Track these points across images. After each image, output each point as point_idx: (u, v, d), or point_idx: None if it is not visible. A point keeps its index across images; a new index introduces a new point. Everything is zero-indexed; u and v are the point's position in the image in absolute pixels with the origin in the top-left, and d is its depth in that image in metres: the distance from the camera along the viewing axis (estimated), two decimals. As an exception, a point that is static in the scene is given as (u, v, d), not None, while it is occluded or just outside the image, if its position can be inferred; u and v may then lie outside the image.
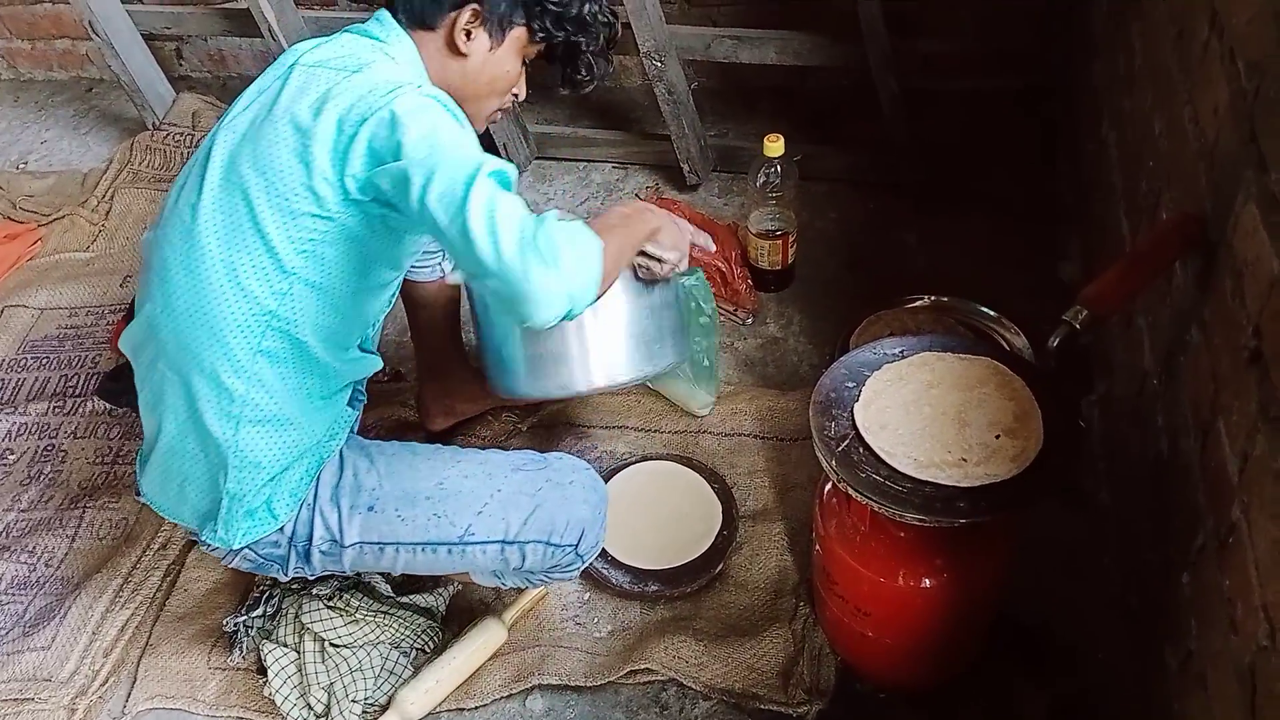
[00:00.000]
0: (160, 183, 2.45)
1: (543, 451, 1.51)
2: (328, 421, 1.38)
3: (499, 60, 1.37)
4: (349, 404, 1.43)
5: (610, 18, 1.45)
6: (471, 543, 1.39)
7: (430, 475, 1.42)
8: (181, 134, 2.53)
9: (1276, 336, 0.95)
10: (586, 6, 1.39)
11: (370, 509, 1.37)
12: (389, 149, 1.18)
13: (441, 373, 1.82)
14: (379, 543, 1.39)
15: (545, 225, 1.12)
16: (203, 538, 1.37)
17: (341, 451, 1.40)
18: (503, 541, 1.39)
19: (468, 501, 1.39)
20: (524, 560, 1.41)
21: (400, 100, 1.19)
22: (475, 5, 1.31)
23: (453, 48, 1.34)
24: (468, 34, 1.33)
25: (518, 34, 1.37)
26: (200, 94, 2.65)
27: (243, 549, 1.37)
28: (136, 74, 2.48)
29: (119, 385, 1.99)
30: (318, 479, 1.37)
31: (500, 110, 1.46)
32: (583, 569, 1.51)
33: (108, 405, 2.00)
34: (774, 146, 1.91)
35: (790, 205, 1.99)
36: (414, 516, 1.38)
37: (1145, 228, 1.48)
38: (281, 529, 1.36)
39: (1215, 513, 1.10)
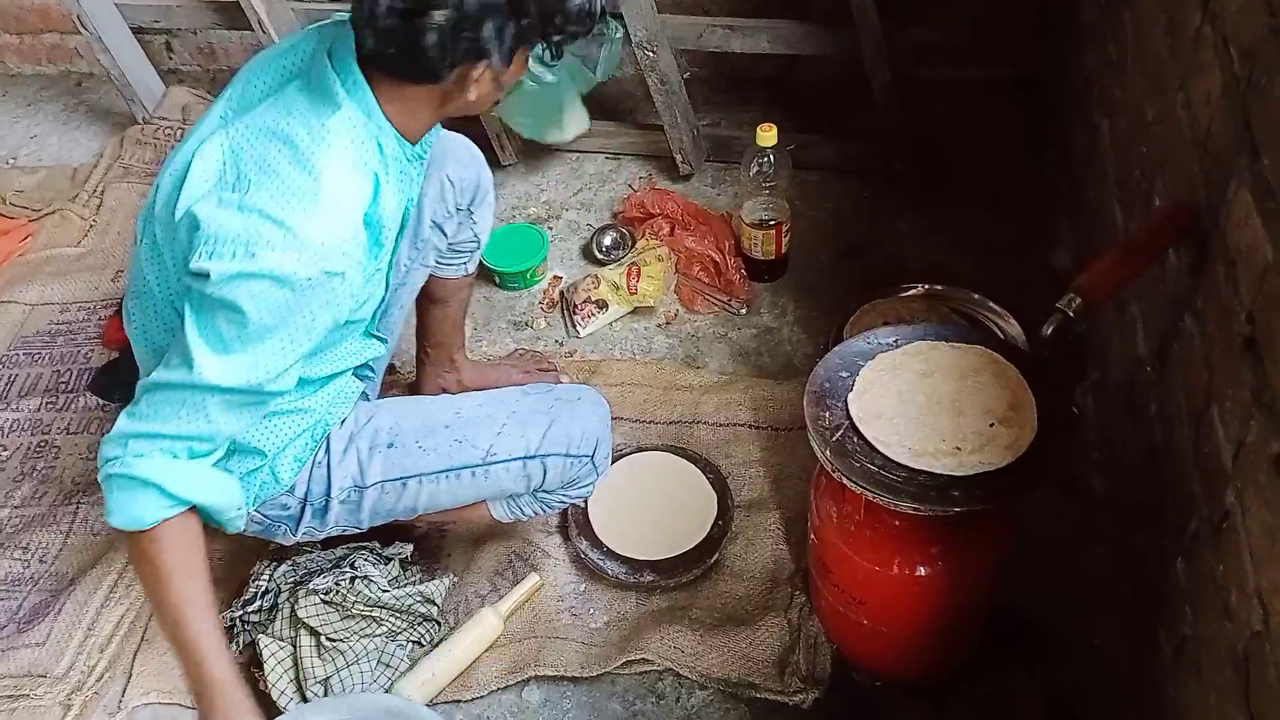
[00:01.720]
0: (151, 177, 2.42)
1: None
2: (330, 399, 1.40)
3: (506, 79, 1.29)
4: (355, 376, 1.46)
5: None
6: (495, 462, 1.45)
7: (445, 408, 1.49)
8: (172, 127, 2.52)
9: (1270, 323, 0.96)
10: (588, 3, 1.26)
11: (390, 445, 1.42)
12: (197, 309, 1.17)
13: (443, 368, 1.83)
14: (402, 477, 1.43)
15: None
16: None
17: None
18: (525, 457, 1.45)
19: (486, 424, 1.45)
20: (545, 475, 1.47)
21: (235, 289, 1.13)
22: (488, 60, 1.19)
23: (451, 94, 1.24)
24: (476, 81, 1.23)
25: (521, 54, 1.27)
26: (190, 87, 2.63)
27: (248, 511, 1.40)
28: (126, 68, 2.46)
29: (112, 380, 1.98)
30: (328, 439, 1.40)
31: None
32: (598, 482, 1.57)
33: (100, 400, 1.99)
34: (767, 136, 1.90)
35: (783, 195, 1.98)
36: (436, 445, 1.44)
37: (1138, 215, 1.48)
38: (292, 490, 1.40)
39: (1209, 499, 1.10)
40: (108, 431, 1.22)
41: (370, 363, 1.51)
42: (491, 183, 1.66)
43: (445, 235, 1.62)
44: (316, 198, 1.15)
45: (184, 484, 1.21)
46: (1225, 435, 1.06)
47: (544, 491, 1.52)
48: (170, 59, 2.79)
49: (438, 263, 1.67)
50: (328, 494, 1.41)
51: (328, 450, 1.41)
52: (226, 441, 1.25)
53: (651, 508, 1.70)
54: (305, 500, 1.42)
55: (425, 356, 1.82)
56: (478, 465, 1.45)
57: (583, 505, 1.68)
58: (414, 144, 1.30)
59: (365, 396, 1.53)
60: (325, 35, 1.25)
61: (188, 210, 1.17)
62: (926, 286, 1.89)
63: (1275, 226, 0.96)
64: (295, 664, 1.52)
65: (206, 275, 1.13)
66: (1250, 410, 0.99)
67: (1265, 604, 0.93)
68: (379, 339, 1.49)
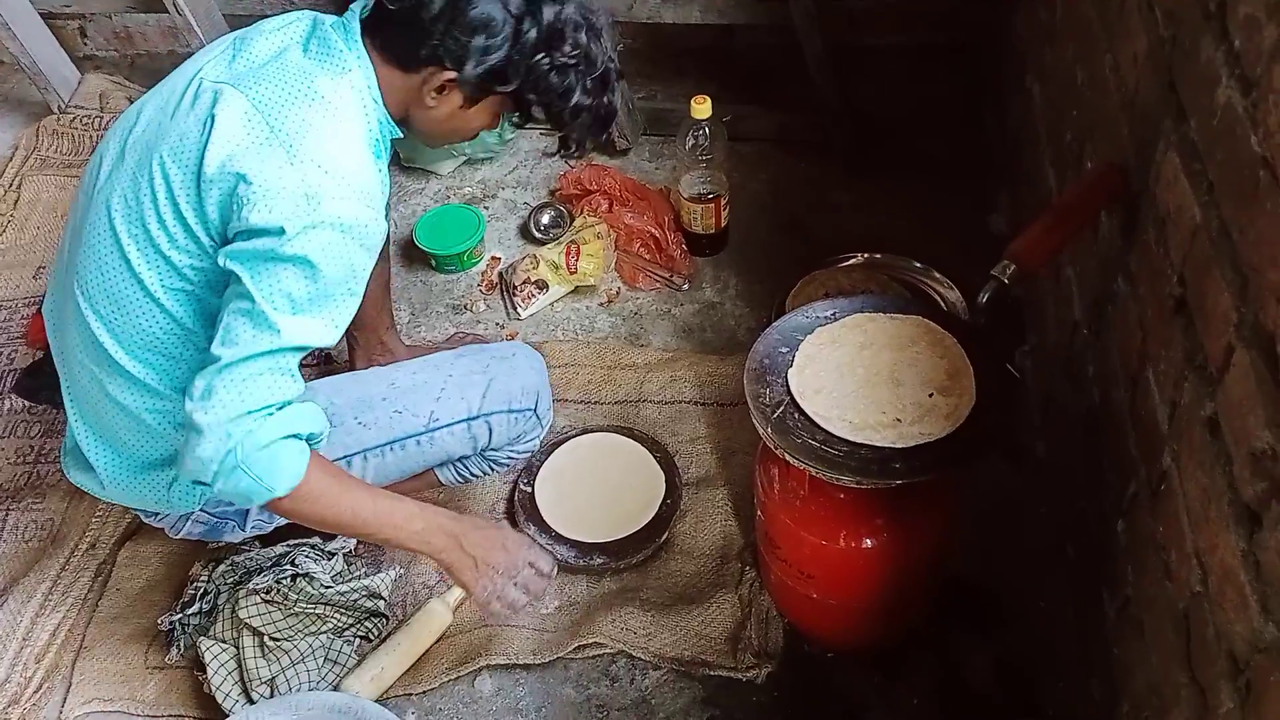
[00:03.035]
0: (70, 168, 2.35)
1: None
2: None
3: (467, 117, 1.30)
4: None
5: (607, 102, 1.34)
6: (438, 428, 1.45)
7: (378, 381, 1.49)
8: (90, 116, 2.43)
9: (1200, 284, 0.96)
10: (582, 99, 1.29)
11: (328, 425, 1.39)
12: (254, 273, 1.16)
13: (374, 351, 1.78)
14: (345, 455, 1.42)
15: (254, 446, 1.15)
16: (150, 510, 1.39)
17: None
18: (468, 419, 1.46)
19: (424, 391, 1.45)
20: (490, 434, 1.49)
21: (306, 242, 1.14)
22: (451, 74, 1.22)
23: (417, 95, 1.26)
24: (440, 91, 1.25)
25: (497, 99, 1.28)
26: (108, 74, 2.54)
27: (193, 512, 1.39)
28: (37, 55, 2.37)
29: (37, 382, 1.91)
30: None
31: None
32: (544, 436, 1.60)
33: (26, 402, 1.93)
34: (701, 109, 1.88)
35: (721, 168, 1.97)
36: (374, 419, 1.43)
37: (1071, 179, 1.48)
38: None
39: (1147, 461, 1.11)
40: (191, 440, 1.17)
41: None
42: None
43: None
44: (353, 147, 1.20)
45: (304, 422, 1.21)
46: (1160, 397, 1.07)
47: (491, 450, 1.53)
48: (85, 44, 2.69)
49: None
50: None
51: None
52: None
53: (599, 489, 1.69)
54: None
55: (354, 341, 1.78)
56: (421, 433, 1.45)
57: (529, 490, 1.67)
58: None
59: None
60: (321, 14, 1.28)
61: (225, 166, 1.16)
62: (866, 256, 1.89)
63: (1202, 188, 0.96)
64: (239, 665, 1.49)
65: (271, 231, 1.13)
66: (1184, 372, 0.99)
67: (1204, 565, 0.94)
68: None
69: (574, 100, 1.28)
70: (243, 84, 1.21)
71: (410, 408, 1.44)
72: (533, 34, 1.21)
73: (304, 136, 1.17)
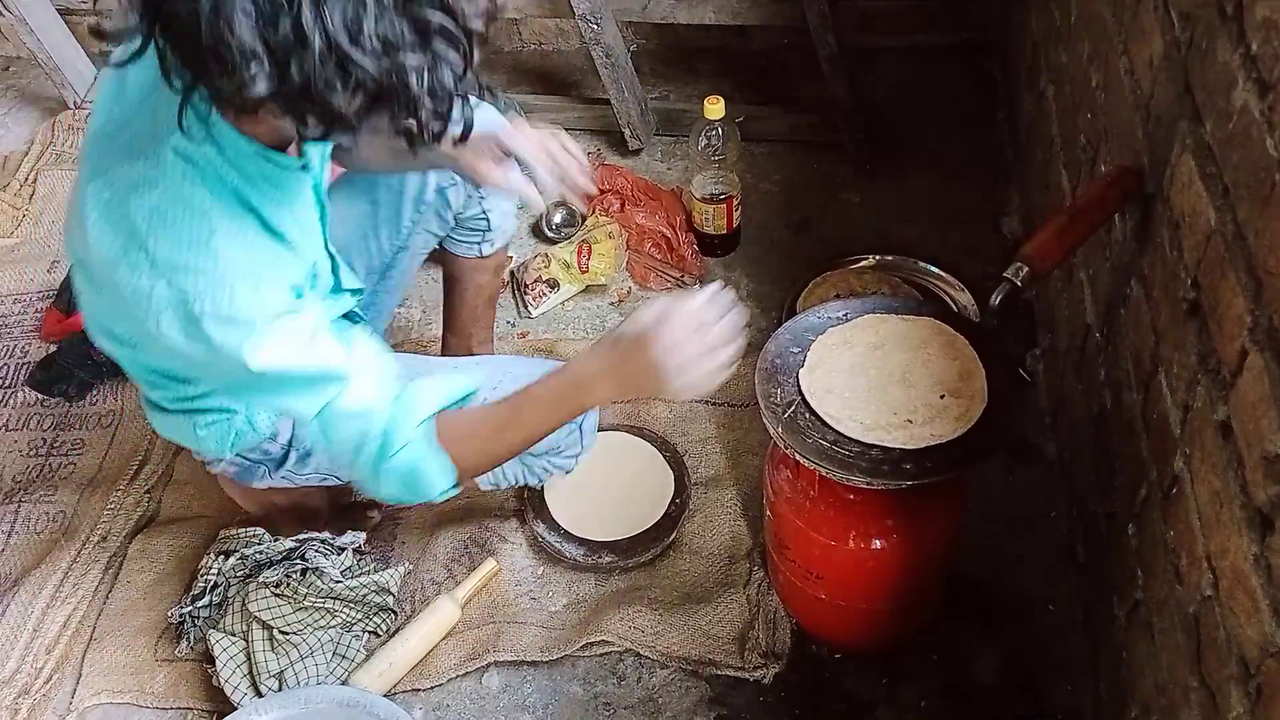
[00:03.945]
0: (85, 163, 2.37)
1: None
2: None
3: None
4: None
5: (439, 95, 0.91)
6: None
7: (443, 361, 1.57)
8: (105, 112, 2.45)
9: (1214, 288, 0.96)
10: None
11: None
12: None
13: (458, 353, 1.79)
14: None
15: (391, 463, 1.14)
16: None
17: None
18: None
19: (484, 376, 1.36)
20: None
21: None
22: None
23: None
24: None
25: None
26: (123, 70, 2.56)
27: (226, 455, 1.39)
28: (54, 51, 2.38)
29: (50, 375, 1.93)
30: None
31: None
32: (582, 458, 1.55)
33: (39, 395, 1.94)
34: (714, 109, 1.88)
35: (733, 168, 1.97)
36: None
37: (1084, 181, 1.48)
38: (274, 437, 1.38)
39: (1158, 464, 1.11)
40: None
41: (355, 313, 1.40)
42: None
43: (450, 205, 1.55)
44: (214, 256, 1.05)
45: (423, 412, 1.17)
46: (1173, 400, 1.06)
47: (530, 455, 1.47)
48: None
49: (449, 235, 1.61)
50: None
51: None
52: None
53: (608, 488, 1.69)
54: (290, 446, 1.40)
55: (445, 343, 1.79)
56: None
57: (539, 488, 1.67)
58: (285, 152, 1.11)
59: None
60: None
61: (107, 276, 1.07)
62: (878, 258, 1.88)
63: (1217, 190, 0.96)
64: (248, 658, 1.49)
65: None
66: (1196, 375, 0.99)
67: (1215, 569, 0.94)
68: (349, 291, 1.34)
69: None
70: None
71: None
72: None
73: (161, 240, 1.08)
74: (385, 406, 1.14)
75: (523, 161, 1.40)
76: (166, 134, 1.01)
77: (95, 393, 1.93)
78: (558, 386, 1.22)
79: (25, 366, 1.99)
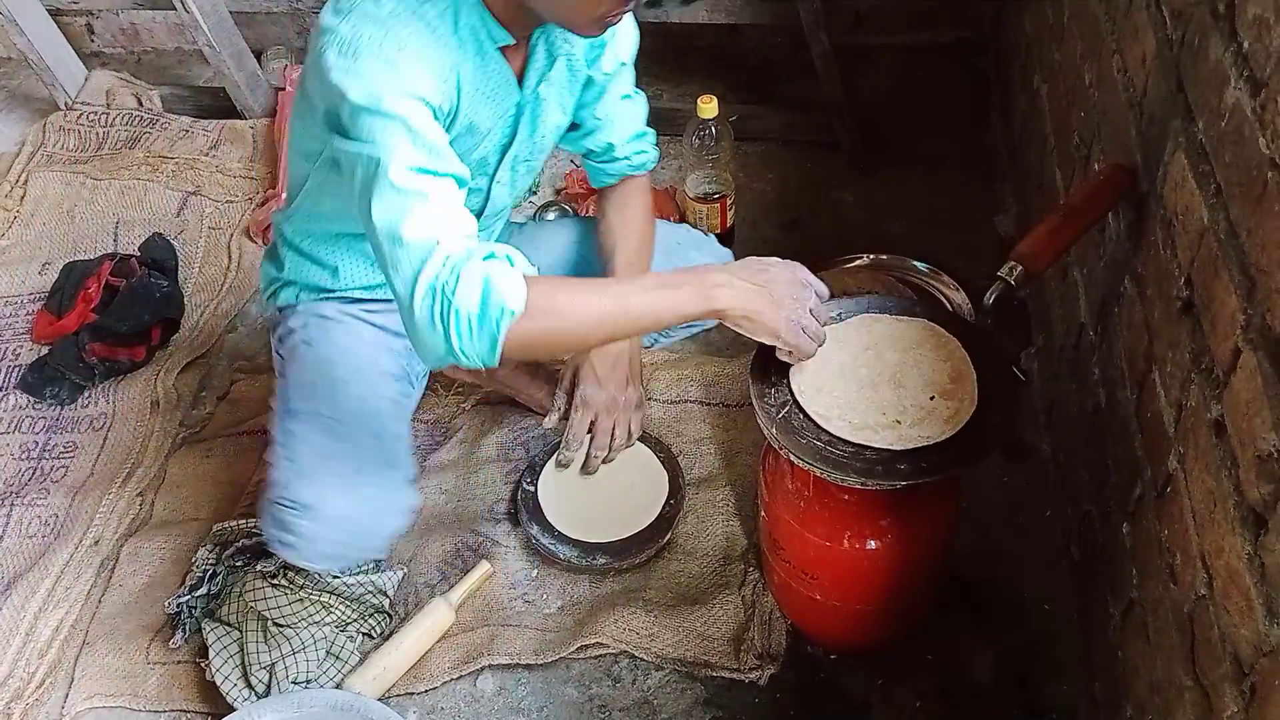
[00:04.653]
0: (76, 164, 2.35)
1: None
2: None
3: None
4: None
5: None
6: None
7: None
8: (96, 113, 2.44)
9: (1207, 286, 0.95)
10: None
11: None
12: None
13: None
14: None
15: (463, 283, 1.07)
16: None
17: None
18: None
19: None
20: None
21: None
22: None
23: None
24: None
25: None
26: (114, 70, 2.55)
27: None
28: (45, 51, 2.37)
29: (41, 377, 1.92)
30: None
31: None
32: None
33: (31, 398, 1.93)
34: (707, 108, 1.88)
35: (726, 167, 1.96)
36: None
37: (1078, 179, 1.48)
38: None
39: (1152, 463, 1.11)
40: None
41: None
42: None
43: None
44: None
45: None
46: (1166, 399, 1.06)
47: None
48: (92, 41, 2.70)
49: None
50: None
51: None
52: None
53: (603, 489, 1.68)
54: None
55: None
56: None
57: (533, 489, 1.66)
58: (507, 29, 1.23)
59: None
60: None
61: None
62: (871, 257, 1.88)
63: (1210, 189, 0.96)
64: (241, 649, 1.49)
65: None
66: (1190, 374, 0.99)
67: (1209, 568, 0.93)
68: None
69: None
70: None
71: None
72: None
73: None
74: (456, 240, 1.10)
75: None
76: None
77: (87, 395, 1.92)
78: (675, 273, 1.21)
79: (16, 369, 1.98)
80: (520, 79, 1.32)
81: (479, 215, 1.44)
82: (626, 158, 1.53)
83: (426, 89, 1.15)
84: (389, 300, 1.47)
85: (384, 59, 1.12)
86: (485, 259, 1.09)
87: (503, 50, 1.27)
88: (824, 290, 1.24)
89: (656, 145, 1.57)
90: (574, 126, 1.53)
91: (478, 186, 1.40)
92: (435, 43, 1.18)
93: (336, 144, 1.15)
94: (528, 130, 1.39)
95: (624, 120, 1.50)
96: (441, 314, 1.07)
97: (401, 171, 1.10)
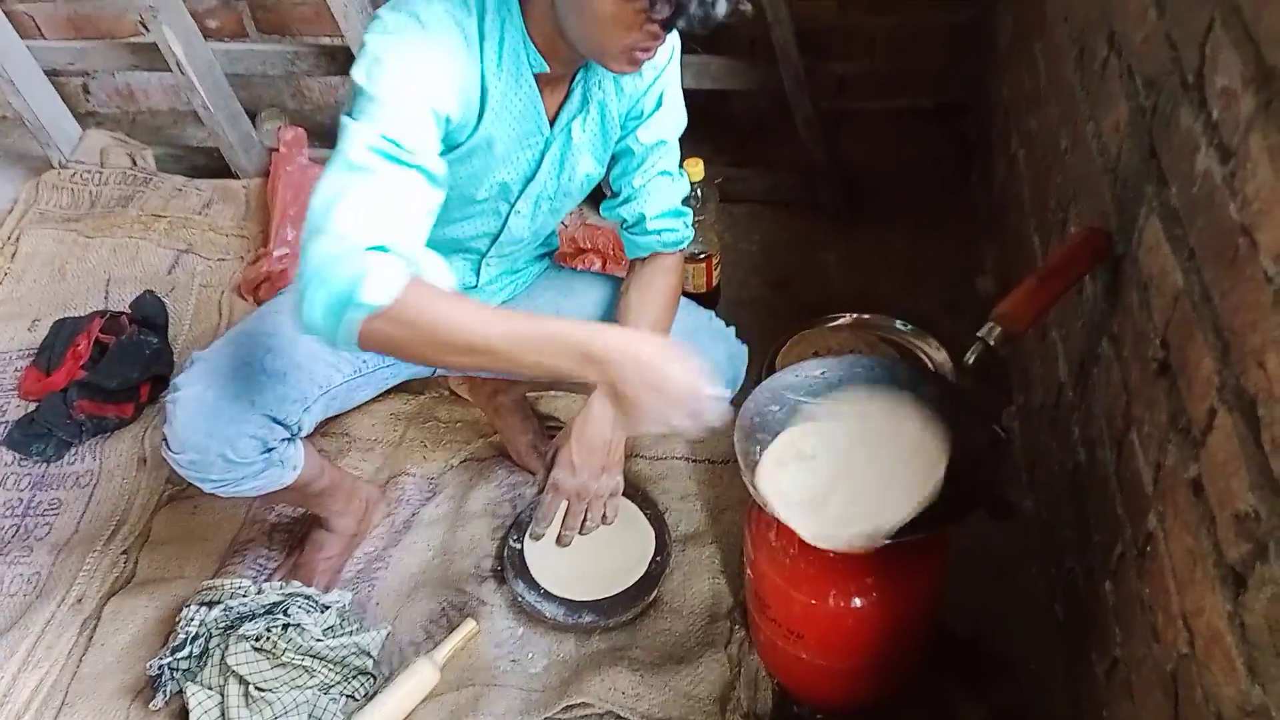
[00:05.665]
0: (68, 222, 2.37)
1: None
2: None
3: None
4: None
5: None
6: None
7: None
8: (89, 172, 2.46)
9: (1183, 348, 0.97)
10: None
11: None
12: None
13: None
14: None
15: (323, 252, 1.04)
16: None
17: None
18: None
19: None
20: None
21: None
22: None
23: None
24: None
25: None
26: (109, 130, 2.58)
27: None
28: (39, 111, 2.40)
29: (28, 434, 1.92)
30: None
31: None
32: None
33: (17, 455, 1.92)
34: (694, 171, 1.91)
35: (712, 228, 1.99)
36: None
37: (1055, 242, 1.51)
38: None
39: (1133, 522, 1.12)
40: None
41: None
42: None
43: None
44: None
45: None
46: (1145, 459, 1.08)
47: None
48: (88, 101, 2.73)
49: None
50: None
51: None
52: None
53: (588, 546, 1.66)
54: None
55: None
56: None
57: (519, 547, 1.66)
58: (545, 59, 1.26)
59: None
60: None
61: None
62: (855, 316, 1.90)
63: (1184, 253, 0.98)
64: (222, 714, 1.47)
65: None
66: (1167, 434, 1.01)
67: (1190, 626, 0.94)
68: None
69: None
70: None
71: None
72: None
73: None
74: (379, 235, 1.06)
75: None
76: None
77: (74, 452, 1.92)
78: (559, 323, 1.12)
79: (3, 426, 1.98)
80: (555, 117, 1.36)
81: (493, 240, 1.48)
82: (657, 233, 1.55)
83: (440, 96, 1.18)
84: None
85: (407, 60, 1.16)
86: (373, 249, 1.05)
87: (540, 82, 1.30)
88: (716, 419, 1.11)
89: (691, 226, 1.60)
90: (613, 194, 1.56)
91: (496, 210, 1.42)
92: (467, 55, 1.21)
93: (342, 120, 1.16)
94: (554, 169, 1.41)
95: (660, 195, 1.53)
96: (308, 285, 1.04)
97: (360, 149, 1.09)
